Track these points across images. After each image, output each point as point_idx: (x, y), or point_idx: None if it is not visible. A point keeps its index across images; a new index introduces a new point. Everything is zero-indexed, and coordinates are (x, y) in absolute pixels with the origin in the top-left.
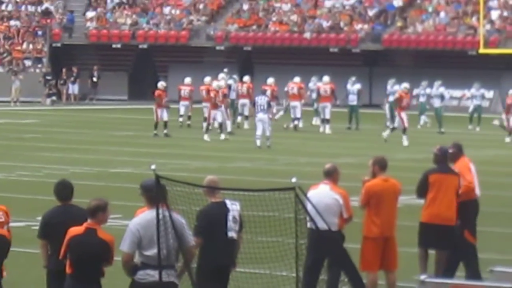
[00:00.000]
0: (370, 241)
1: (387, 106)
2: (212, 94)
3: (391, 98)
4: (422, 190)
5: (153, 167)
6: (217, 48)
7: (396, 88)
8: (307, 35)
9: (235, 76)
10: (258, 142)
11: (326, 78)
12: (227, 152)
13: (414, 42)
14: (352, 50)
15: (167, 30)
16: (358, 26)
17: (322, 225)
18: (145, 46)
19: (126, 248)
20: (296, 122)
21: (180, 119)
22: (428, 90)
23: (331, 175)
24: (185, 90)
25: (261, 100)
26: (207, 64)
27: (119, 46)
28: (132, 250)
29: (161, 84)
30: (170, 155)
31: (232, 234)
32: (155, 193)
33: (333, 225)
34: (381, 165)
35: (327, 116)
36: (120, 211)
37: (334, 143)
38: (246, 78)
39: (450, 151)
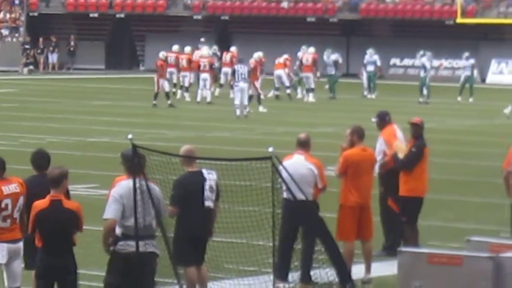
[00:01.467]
0: (347, 210)
1: (365, 76)
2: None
3: (369, 68)
4: (414, 163)
5: (130, 136)
6: (195, 17)
7: (375, 57)
8: (284, 4)
9: (215, 47)
10: (238, 112)
11: (311, 49)
12: (206, 122)
13: (391, 12)
14: (330, 20)
15: None
16: None
17: (299, 195)
18: (122, 15)
19: (111, 214)
20: (304, 93)
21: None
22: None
23: (305, 145)
24: (171, 58)
25: (241, 68)
26: (184, 34)
27: (96, 15)
28: (117, 216)
29: (162, 54)
30: (147, 124)
31: (208, 203)
32: (131, 163)
33: (309, 195)
34: (359, 134)
35: (311, 86)
36: (97, 180)
37: (312, 113)
38: (233, 49)
39: (373, 120)
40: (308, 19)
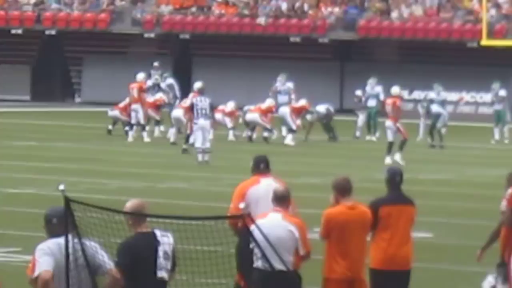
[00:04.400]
0: (333, 284)
1: (362, 114)
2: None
3: (371, 103)
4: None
5: (61, 187)
6: (146, 35)
7: (378, 89)
8: (261, 20)
9: (166, 75)
10: (200, 157)
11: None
12: (157, 169)
13: (398, 31)
14: (319, 40)
15: (81, 12)
16: (327, 10)
17: (276, 264)
18: (53, 32)
19: (43, 266)
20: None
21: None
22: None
23: (284, 201)
24: (133, 90)
25: (202, 102)
26: (133, 56)
27: (19, 31)
28: (51, 267)
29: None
30: (84, 172)
31: (162, 274)
32: (64, 220)
33: (288, 264)
34: (340, 189)
35: (292, 126)
36: (19, 243)
37: (295, 158)
38: (198, 85)
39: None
40: (292, 39)
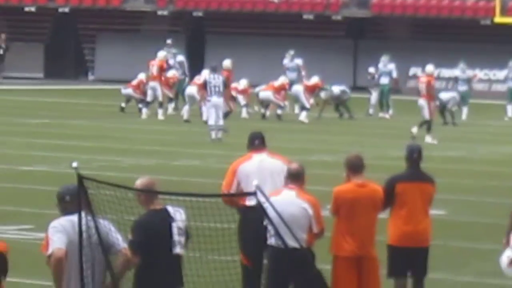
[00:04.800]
0: (341, 261)
1: (375, 91)
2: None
3: (384, 80)
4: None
5: (74, 164)
6: (159, 13)
7: (390, 67)
8: None
9: (175, 51)
10: (213, 134)
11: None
12: (170, 146)
13: (411, 8)
14: (332, 18)
15: None
16: None
17: (290, 242)
18: (66, 9)
19: (57, 244)
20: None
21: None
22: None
23: (298, 178)
24: (153, 67)
25: (215, 79)
26: (146, 34)
27: (33, 9)
28: (64, 244)
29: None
30: (97, 149)
31: (177, 250)
32: (77, 198)
33: (302, 241)
34: (352, 166)
35: (306, 104)
36: (32, 221)
37: (308, 135)
38: (227, 63)
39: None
40: (305, 16)
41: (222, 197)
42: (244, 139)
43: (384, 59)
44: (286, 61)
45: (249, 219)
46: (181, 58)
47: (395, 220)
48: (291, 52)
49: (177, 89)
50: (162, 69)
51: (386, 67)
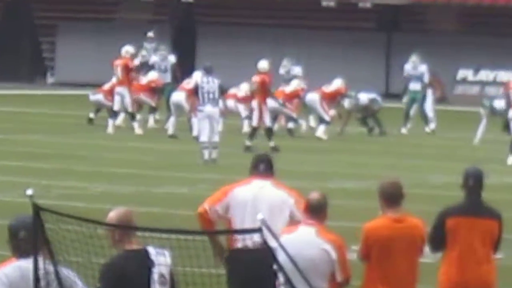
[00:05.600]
0: None
1: (405, 98)
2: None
3: (414, 86)
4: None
5: (29, 192)
6: None
7: (422, 69)
8: None
9: (163, 48)
10: (206, 154)
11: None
12: (151, 169)
13: None
14: (359, 5)
15: None
16: None
17: None
18: None
19: None
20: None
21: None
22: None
23: (319, 211)
24: (118, 68)
25: (208, 83)
26: (122, 24)
27: None
28: None
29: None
30: (58, 172)
31: None
32: (32, 234)
33: None
34: (387, 197)
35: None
36: None
37: (328, 155)
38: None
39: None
40: (325, 3)
41: (236, 233)
42: (245, 160)
43: (414, 59)
44: (282, 72)
45: (239, 267)
46: (172, 59)
47: (445, 266)
48: (288, 59)
49: (165, 96)
50: (128, 69)
51: (416, 69)
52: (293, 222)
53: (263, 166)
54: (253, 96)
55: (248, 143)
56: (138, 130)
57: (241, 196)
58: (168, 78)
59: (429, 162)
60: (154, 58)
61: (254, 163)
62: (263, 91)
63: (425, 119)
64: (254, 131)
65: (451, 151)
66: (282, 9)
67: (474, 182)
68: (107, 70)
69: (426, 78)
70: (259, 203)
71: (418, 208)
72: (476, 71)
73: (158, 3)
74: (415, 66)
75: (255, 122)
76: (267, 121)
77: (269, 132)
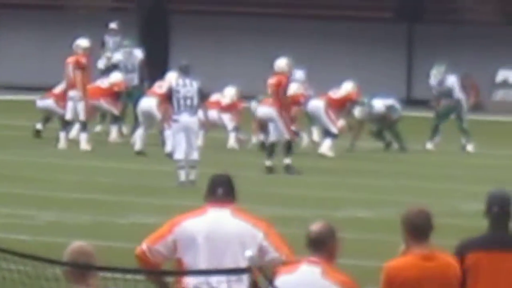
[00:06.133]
0: None
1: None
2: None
3: (445, 102)
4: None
5: None
6: None
7: (450, 82)
8: None
9: (127, 43)
10: (182, 175)
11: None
12: (114, 194)
13: None
14: None
15: None
16: None
17: None
18: None
19: None
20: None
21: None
22: None
23: (322, 247)
24: (69, 67)
25: (187, 87)
26: (75, 13)
27: None
28: None
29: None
30: (3, 196)
31: None
32: None
33: None
34: (413, 230)
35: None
36: None
37: (335, 176)
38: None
39: None
40: None
41: (222, 274)
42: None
43: (435, 71)
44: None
45: None
46: (138, 54)
47: None
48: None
49: (128, 101)
50: (81, 67)
51: (441, 84)
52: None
53: (222, 190)
54: (270, 102)
55: (268, 163)
56: (85, 144)
57: (190, 231)
58: (135, 80)
59: (461, 186)
60: (117, 56)
61: (209, 186)
62: (281, 95)
63: (464, 134)
64: (273, 147)
65: (489, 172)
66: None
67: (500, 209)
68: (57, 69)
69: (458, 94)
70: (214, 240)
71: (446, 243)
72: None
73: None
74: (440, 80)
75: (286, 135)
76: (287, 133)
77: (289, 146)
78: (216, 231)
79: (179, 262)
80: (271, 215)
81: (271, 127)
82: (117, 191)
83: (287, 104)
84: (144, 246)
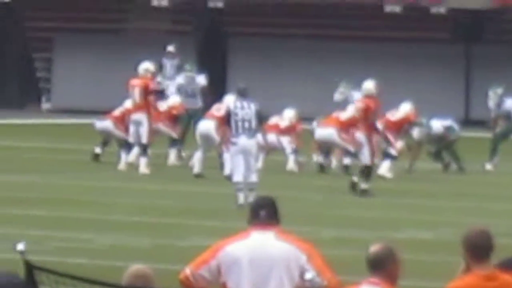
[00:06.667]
0: None
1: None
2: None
3: (500, 125)
4: None
5: (20, 246)
6: (155, 3)
7: (510, 104)
8: None
9: (189, 67)
10: (241, 197)
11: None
12: (171, 217)
13: None
14: (431, 10)
15: None
16: None
17: None
18: None
19: None
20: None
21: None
22: None
23: (382, 267)
24: (135, 90)
25: (244, 110)
26: (133, 35)
27: None
28: None
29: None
30: (55, 220)
31: None
32: None
33: None
34: (474, 250)
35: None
36: None
37: (394, 198)
38: None
39: None
40: (388, 8)
41: None
42: (292, 205)
43: (492, 94)
44: (337, 97)
45: None
46: (201, 80)
47: None
48: (346, 84)
49: (188, 125)
50: (148, 91)
51: (500, 107)
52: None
53: (265, 213)
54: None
55: (364, 186)
56: (144, 168)
57: (234, 255)
58: (197, 104)
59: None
60: (179, 80)
61: (252, 210)
62: (368, 119)
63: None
64: (369, 169)
65: None
66: (334, 15)
67: None
68: (115, 93)
69: None
70: (258, 263)
71: None
72: None
73: (178, 9)
74: (499, 103)
75: (367, 160)
76: (369, 158)
77: (369, 171)
78: (260, 255)
79: (223, 286)
80: (331, 237)
81: (364, 152)
82: (176, 214)
83: (375, 129)
84: (187, 271)
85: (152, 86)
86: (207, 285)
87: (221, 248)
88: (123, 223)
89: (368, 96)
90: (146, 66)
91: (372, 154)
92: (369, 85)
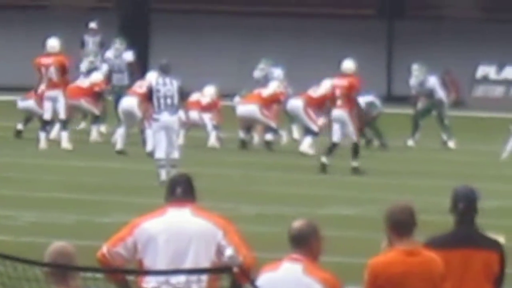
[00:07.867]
0: None
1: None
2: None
3: (420, 102)
4: None
5: None
6: None
7: (431, 83)
8: None
9: (118, 44)
10: (163, 174)
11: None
12: (94, 193)
13: None
14: None
15: None
16: None
17: None
18: None
19: None
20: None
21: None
22: None
23: (305, 243)
24: (50, 67)
25: (166, 86)
26: (56, 12)
27: None
28: None
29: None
30: None
31: None
32: None
33: None
34: (396, 226)
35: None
36: None
37: (317, 175)
38: None
39: None
40: None
41: (205, 273)
42: (213, 181)
43: (416, 71)
44: (257, 74)
45: None
46: (128, 56)
47: None
48: (267, 60)
49: (113, 101)
50: (62, 68)
51: (422, 85)
52: (221, 262)
53: (181, 190)
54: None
55: (354, 164)
56: (66, 143)
57: (150, 232)
58: (125, 80)
59: (442, 182)
60: (108, 55)
61: (168, 187)
62: (351, 97)
63: (445, 130)
64: (356, 147)
65: (471, 168)
66: None
67: (465, 206)
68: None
69: (439, 93)
70: (175, 239)
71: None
72: (501, 67)
73: None
74: (420, 80)
75: (354, 137)
76: (354, 135)
77: (356, 148)
78: (176, 231)
79: (139, 263)
80: (251, 213)
81: (336, 127)
82: (98, 190)
83: (357, 106)
84: (104, 248)
85: (66, 63)
86: (124, 262)
87: (137, 225)
88: (46, 199)
89: (349, 74)
90: (54, 43)
91: (357, 131)
92: (349, 64)
